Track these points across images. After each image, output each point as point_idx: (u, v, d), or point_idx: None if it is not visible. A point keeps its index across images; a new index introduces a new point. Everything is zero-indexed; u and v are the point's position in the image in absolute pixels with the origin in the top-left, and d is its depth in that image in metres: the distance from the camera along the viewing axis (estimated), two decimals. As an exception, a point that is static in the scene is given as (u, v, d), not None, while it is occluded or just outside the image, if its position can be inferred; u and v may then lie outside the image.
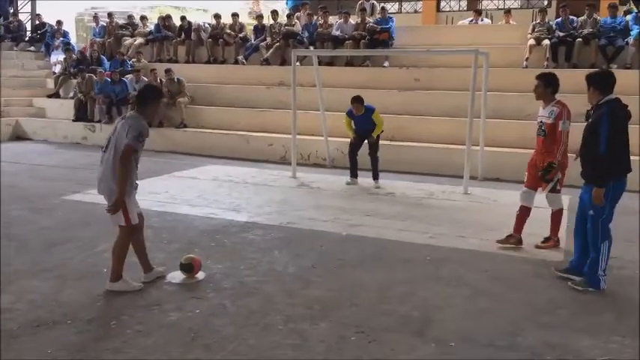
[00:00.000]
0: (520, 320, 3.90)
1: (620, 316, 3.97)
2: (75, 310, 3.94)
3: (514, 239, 5.52)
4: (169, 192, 7.69)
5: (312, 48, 12.19)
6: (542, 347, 3.51)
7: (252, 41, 13.26)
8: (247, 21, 15.99)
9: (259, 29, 13.42)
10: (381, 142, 8.29)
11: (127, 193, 4.12)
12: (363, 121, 8.13)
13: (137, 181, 4.26)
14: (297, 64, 9.75)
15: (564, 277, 4.60)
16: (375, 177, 8.31)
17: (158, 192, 7.59)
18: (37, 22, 16.80)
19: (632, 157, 4.43)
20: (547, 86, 5.27)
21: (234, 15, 13.98)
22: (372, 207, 7.09)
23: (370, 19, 12.58)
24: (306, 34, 12.74)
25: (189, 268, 4.54)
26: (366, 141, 8.24)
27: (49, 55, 15.74)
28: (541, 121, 5.32)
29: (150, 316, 3.88)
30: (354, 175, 8.45)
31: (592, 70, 4.89)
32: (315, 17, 13.16)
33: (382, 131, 8.26)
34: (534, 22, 11.60)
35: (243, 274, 4.69)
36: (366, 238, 5.78)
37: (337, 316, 3.91)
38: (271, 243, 5.55)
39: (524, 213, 5.50)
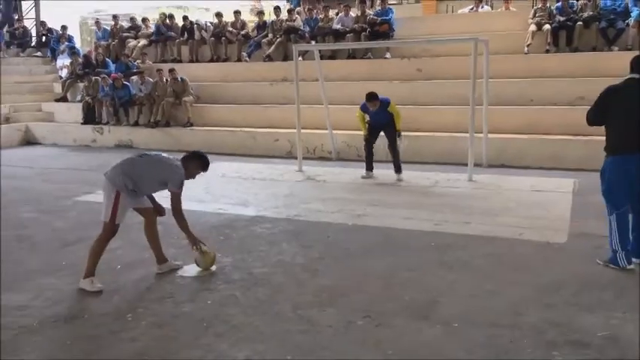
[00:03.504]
0: (523, 301, 3.99)
1: (621, 293, 4.05)
2: (91, 305, 4.09)
3: None
4: (178, 190, 7.81)
5: (313, 42, 12.27)
6: (544, 325, 3.60)
7: (255, 38, 13.36)
8: (249, 18, 16.05)
9: (260, 26, 13.51)
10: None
11: (122, 192, 4.29)
12: (378, 115, 8.03)
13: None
14: (300, 59, 9.84)
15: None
16: (398, 170, 8.17)
17: (167, 190, 7.72)
18: (42, 28, 17.00)
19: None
20: None
21: (236, 12, 14.08)
22: (378, 197, 7.19)
23: (370, 11, 12.64)
24: (308, 28, 12.82)
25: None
26: (382, 133, 8.16)
27: (55, 60, 15.91)
28: None
29: (163, 307, 4.02)
30: (369, 168, 8.38)
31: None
32: (316, 11, 13.23)
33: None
34: (535, 8, 11.61)
35: (252, 265, 4.82)
36: (371, 227, 5.89)
37: (344, 303, 4.03)
38: (279, 235, 5.67)
39: None
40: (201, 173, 4.67)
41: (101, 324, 3.79)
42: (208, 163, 4.67)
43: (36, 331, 3.70)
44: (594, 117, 4.58)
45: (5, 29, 16.77)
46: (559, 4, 11.21)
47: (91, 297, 4.22)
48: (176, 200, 4.46)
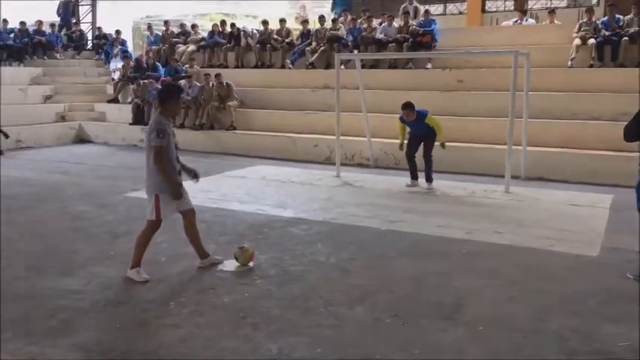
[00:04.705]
0: (549, 308, 4.11)
1: (648, 306, 4.12)
2: (138, 292, 4.42)
3: None
4: (220, 190, 8.16)
5: (356, 51, 12.50)
6: (566, 332, 3.72)
7: (299, 46, 13.68)
8: (294, 26, 16.44)
9: (305, 34, 13.84)
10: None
11: (160, 191, 4.57)
12: (416, 126, 8.15)
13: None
14: (342, 67, 10.08)
15: None
16: (428, 179, 8.24)
17: (210, 190, 8.06)
18: (98, 33, 17.83)
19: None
20: None
21: (282, 21, 14.47)
22: (413, 205, 7.35)
23: (413, 22, 12.80)
24: (351, 37, 13.07)
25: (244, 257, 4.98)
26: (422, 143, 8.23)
27: (109, 63, 16.65)
28: None
29: (204, 298, 4.31)
30: (414, 177, 8.44)
31: None
32: (359, 21, 13.48)
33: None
34: (581, 22, 11.56)
35: (287, 263, 5.07)
36: (404, 232, 6.06)
37: (373, 302, 4.23)
38: (314, 236, 5.91)
39: None
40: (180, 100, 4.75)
41: (147, 310, 4.10)
42: (176, 86, 4.95)
43: (87, 314, 4.04)
44: (630, 132, 4.66)
45: (63, 32, 17.64)
46: (605, 18, 11.14)
47: (138, 285, 4.55)
48: (157, 153, 4.48)
